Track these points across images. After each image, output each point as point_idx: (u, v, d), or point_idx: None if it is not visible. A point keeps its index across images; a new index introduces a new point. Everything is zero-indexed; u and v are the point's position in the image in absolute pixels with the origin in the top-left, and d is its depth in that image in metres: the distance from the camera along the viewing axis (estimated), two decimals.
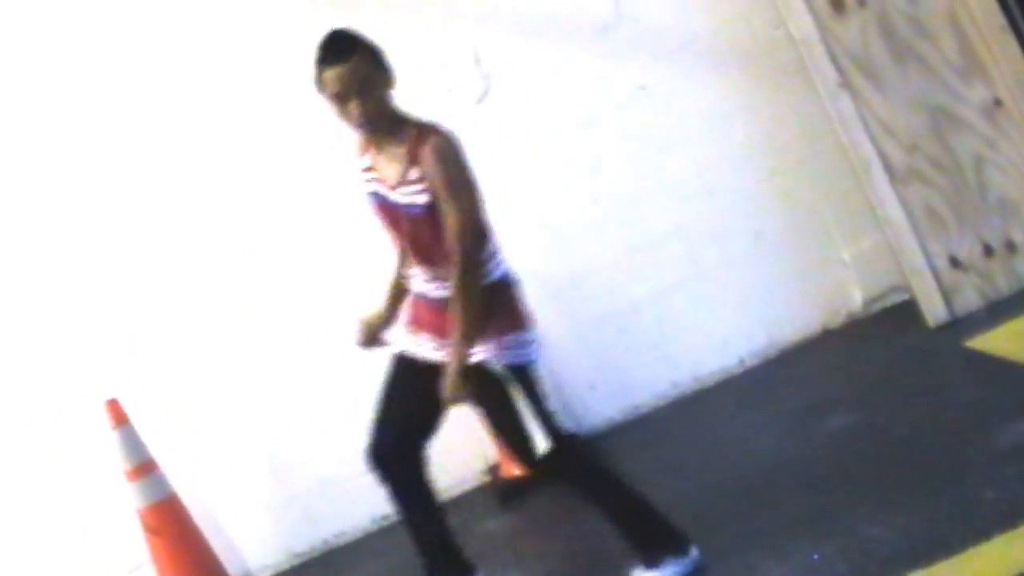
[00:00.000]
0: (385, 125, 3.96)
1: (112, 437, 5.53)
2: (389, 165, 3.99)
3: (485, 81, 5.69)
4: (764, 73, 5.67)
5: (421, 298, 4.15)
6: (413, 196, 3.93)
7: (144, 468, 5.56)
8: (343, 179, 5.44)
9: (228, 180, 5.78)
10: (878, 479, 4.21)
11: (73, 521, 5.78)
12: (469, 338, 3.92)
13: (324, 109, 3.97)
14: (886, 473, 4.23)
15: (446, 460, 5.66)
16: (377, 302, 4.31)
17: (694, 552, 4.12)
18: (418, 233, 3.98)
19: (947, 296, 5.24)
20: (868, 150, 5.24)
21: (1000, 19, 5.20)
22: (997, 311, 5.13)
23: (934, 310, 5.26)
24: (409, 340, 4.23)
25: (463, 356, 3.91)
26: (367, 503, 5.74)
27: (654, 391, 5.82)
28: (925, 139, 5.23)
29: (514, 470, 5.55)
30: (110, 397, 5.56)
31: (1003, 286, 5.23)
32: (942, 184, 5.24)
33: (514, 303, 4.09)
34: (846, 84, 5.23)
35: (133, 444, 5.56)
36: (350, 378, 5.62)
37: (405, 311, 4.27)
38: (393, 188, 3.98)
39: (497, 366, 4.00)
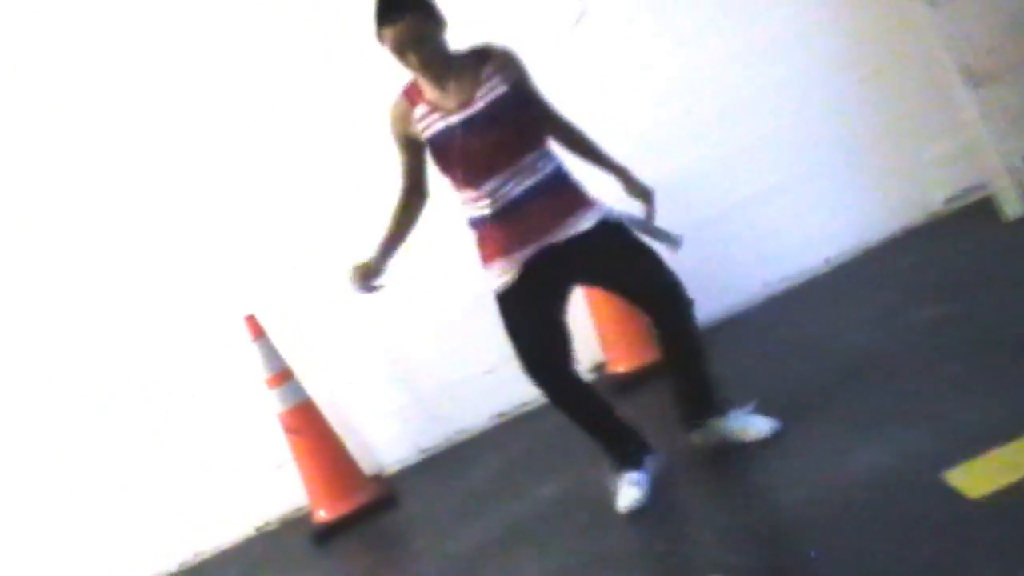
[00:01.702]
0: (442, 64, 4.10)
1: (252, 349, 5.68)
2: (456, 91, 4.11)
3: (582, 4, 5.76)
4: None
5: (514, 209, 4.14)
6: (494, 91, 4.09)
7: (282, 376, 5.71)
8: None
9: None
10: (961, 366, 4.20)
11: (222, 426, 6.00)
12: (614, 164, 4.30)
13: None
14: (969, 360, 4.22)
15: None
16: (368, 253, 4.33)
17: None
18: (505, 129, 4.09)
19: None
20: (948, 56, 5.23)
21: None
22: None
23: (1012, 206, 5.26)
24: (512, 265, 4.21)
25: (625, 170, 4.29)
26: (485, 402, 5.95)
27: (747, 291, 5.88)
28: (1002, 44, 5.19)
29: (619, 367, 5.74)
30: (248, 313, 5.69)
31: None
32: (1019, 87, 5.20)
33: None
34: None
35: (271, 355, 5.71)
36: (467, 291, 5.69)
37: (492, 246, 4.22)
38: (468, 104, 4.09)
39: (613, 216, 4.21)
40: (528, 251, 4.18)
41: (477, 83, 4.11)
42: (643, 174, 5.67)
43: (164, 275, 5.96)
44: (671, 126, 5.71)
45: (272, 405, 5.74)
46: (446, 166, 4.21)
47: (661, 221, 5.75)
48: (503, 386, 5.89)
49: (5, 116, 5.87)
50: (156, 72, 5.84)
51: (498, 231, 4.19)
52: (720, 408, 4.42)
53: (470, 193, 4.20)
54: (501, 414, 5.98)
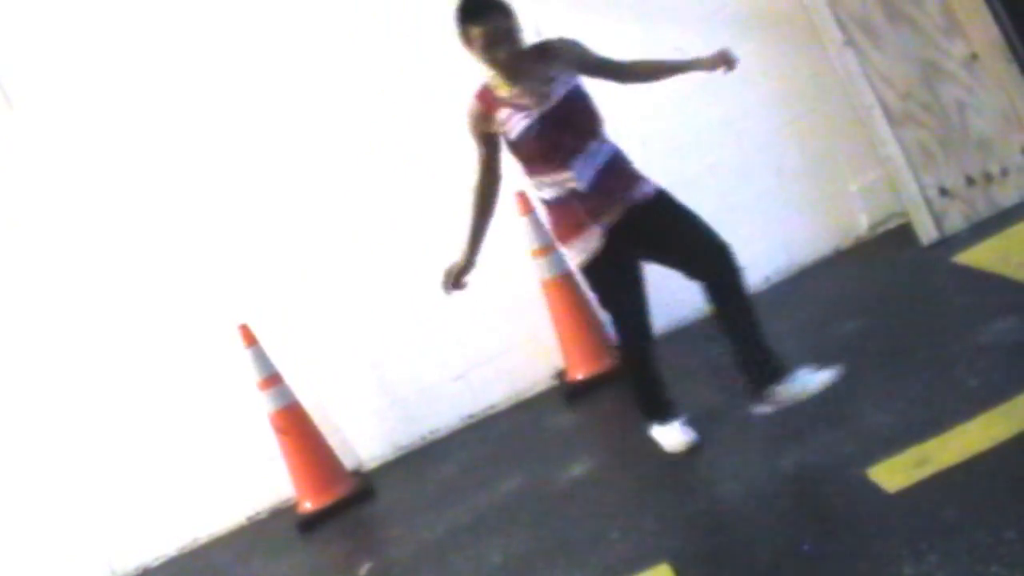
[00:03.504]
0: (520, 61, 4.12)
1: (245, 355, 5.68)
2: (530, 88, 4.12)
3: None
4: (781, 34, 5.71)
5: (594, 185, 4.15)
6: (567, 85, 4.14)
7: (272, 380, 5.70)
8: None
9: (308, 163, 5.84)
10: (882, 373, 4.32)
11: (218, 424, 5.98)
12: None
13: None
14: (888, 368, 4.34)
15: (520, 367, 5.93)
16: (456, 254, 4.36)
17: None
18: (581, 116, 4.17)
19: (937, 219, 5.32)
20: (870, 98, 5.31)
21: None
22: (978, 231, 5.19)
23: (927, 231, 5.34)
24: (593, 236, 4.20)
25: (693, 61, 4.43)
26: (456, 405, 5.95)
27: (695, 306, 5.57)
28: (916, 88, 5.30)
29: (578, 374, 5.75)
30: (242, 322, 5.69)
31: (983, 210, 5.30)
32: (931, 125, 5.31)
33: None
34: (850, 42, 5.30)
35: (262, 361, 5.70)
36: (440, 301, 5.79)
37: (571, 223, 4.22)
38: (546, 99, 4.11)
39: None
40: (607, 220, 4.19)
41: (548, 79, 4.14)
42: None
43: (168, 287, 5.93)
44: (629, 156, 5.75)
45: (263, 406, 5.74)
46: (529, 157, 4.22)
47: None
48: (472, 390, 5.97)
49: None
50: (152, 81, 5.77)
51: (581, 205, 4.18)
52: (778, 375, 4.27)
53: (556, 175, 4.18)
54: (470, 416, 6.00)
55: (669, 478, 4.38)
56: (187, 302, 5.96)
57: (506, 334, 5.93)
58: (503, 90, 4.17)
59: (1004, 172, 5.33)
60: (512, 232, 5.66)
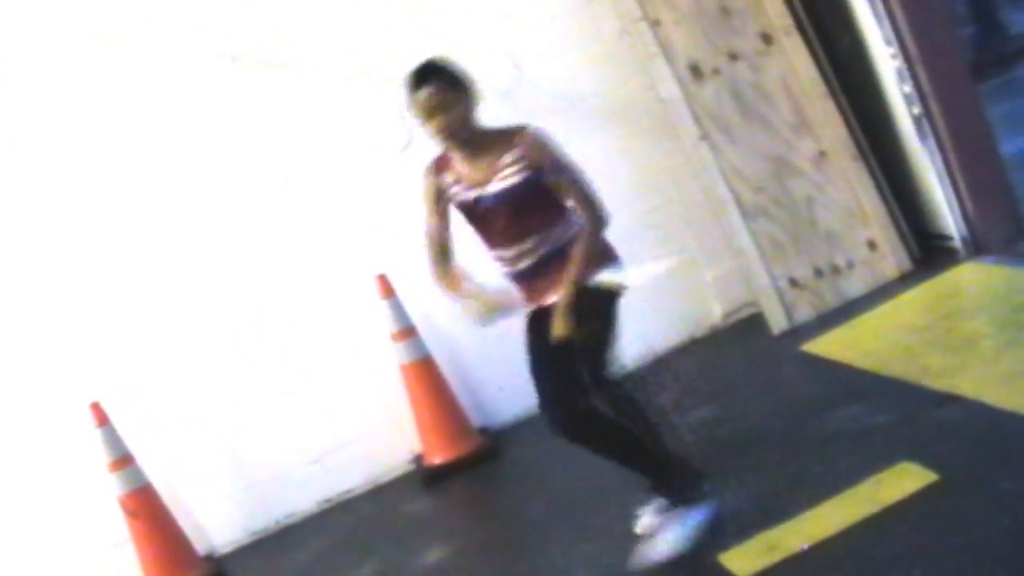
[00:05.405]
0: (467, 137, 3.87)
1: (96, 435, 5.50)
2: (477, 168, 3.89)
3: (409, 133, 5.89)
4: (639, 128, 5.82)
5: (521, 277, 3.98)
6: (508, 179, 3.85)
7: (123, 461, 5.53)
8: (294, 200, 5.74)
9: (194, 198, 5.74)
10: (733, 460, 4.37)
11: (65, 506, 5.72)
12: (583, 277, 3.88)
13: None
14: (739, 455, 4.40)
15: (378, 452, 5.87)
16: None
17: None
18: (516, 212, 3.89)
19: (787, 310, 5.45)
20: (723, 191, 5.45)
21: (822, 88, 5.46)
22: (825, 321, 5.33)
23: (777, 321, 5.46)
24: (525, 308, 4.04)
25: (573, 294, 3.85)
26: (312, 489, 5.84)
27: None
28: (768, 183, 5.45)
29: (435, 458, 5.70)
30: (93, 400, 5.51)
31: (830, 301, 5.45)
32: (782, 219, 5.46)
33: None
34: (705, 137, 5.44)
35: (113, 441, 5.53)
36: (297, 384, 5.79)
37: (519, 292, 4.03)
38: (485, 183, 3.88)
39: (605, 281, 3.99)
40: (530, 307, 4.05)
41: (495, 167, 3.88)
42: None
43: (15, 362, 5.71)
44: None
45: (113, 489, 5.54)
46: (473, 229, 4.07)
47: (480, 328, 5.87)
48: (328, 474, 5.86)
49: None
50: None
51: (514, 286, 4.05)
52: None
53: (490, 253, 4.06)
54: (326, 500, 5.88)
55: (524, 565, 4.35)
56: (35, 379, 5.73)
57: (364, 418, 5.86)
58: (458, 160, 3.98)
59: (850, 265, 5.49)
60: (372, 315, 5.61)
